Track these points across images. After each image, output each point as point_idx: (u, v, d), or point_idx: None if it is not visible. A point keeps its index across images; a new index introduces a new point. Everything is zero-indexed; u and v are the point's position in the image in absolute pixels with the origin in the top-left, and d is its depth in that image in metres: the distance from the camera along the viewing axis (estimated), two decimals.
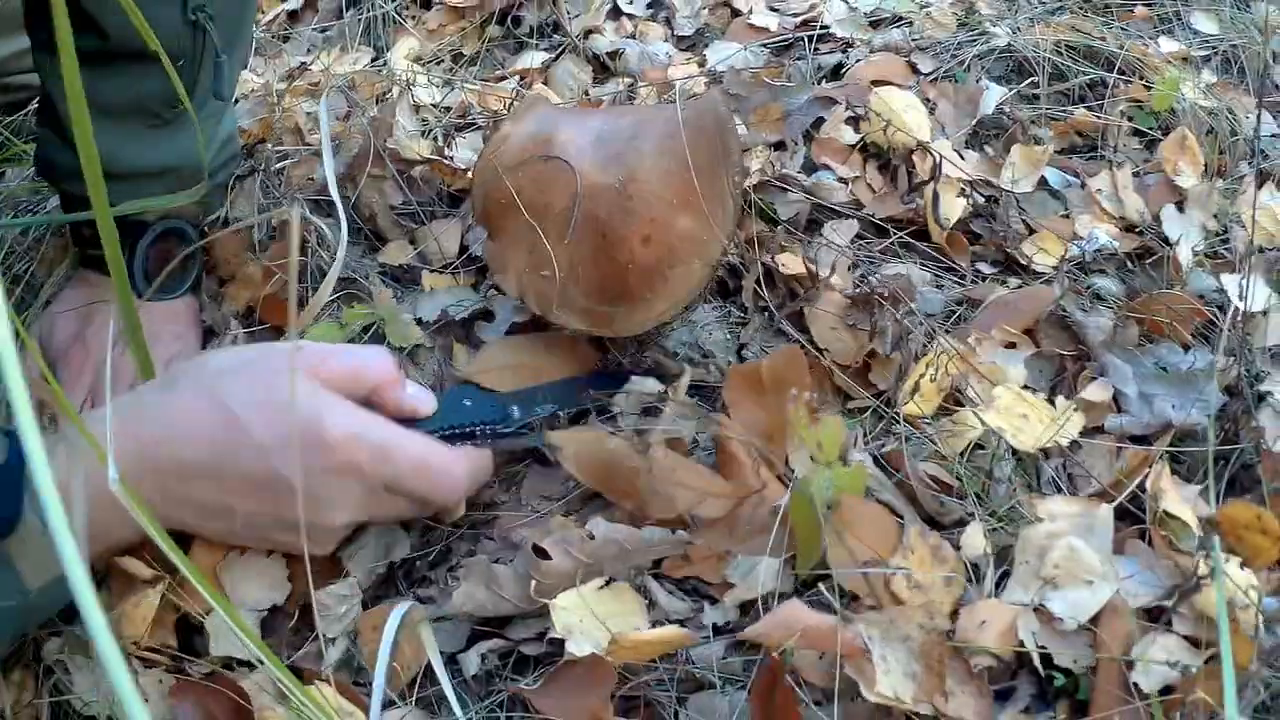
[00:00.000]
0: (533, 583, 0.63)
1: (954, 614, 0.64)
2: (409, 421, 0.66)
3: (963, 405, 0.77)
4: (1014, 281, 0.89)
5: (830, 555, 0.65)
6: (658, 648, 0.61)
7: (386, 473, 0.63)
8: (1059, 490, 0.74)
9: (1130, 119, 1.03)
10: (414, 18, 1.13)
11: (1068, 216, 0.94)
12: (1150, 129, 1.03)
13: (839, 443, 0.65)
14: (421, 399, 0.68)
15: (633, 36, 1.11)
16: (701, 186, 0.74)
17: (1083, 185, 0.96)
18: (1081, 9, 1.14)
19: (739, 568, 0.66)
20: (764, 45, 1.07)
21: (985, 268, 0.90)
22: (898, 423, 0.75)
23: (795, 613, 0.59)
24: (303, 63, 1.04)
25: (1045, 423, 0.74)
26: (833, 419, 0.66)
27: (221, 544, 0.67)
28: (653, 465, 0.68)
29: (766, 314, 0.83)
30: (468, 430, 0.69)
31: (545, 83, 1.02)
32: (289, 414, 0.59)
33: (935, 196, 0.87)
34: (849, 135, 0.96)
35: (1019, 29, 1.07)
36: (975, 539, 0.68)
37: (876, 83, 0.99)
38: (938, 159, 0.87)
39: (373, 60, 1.09)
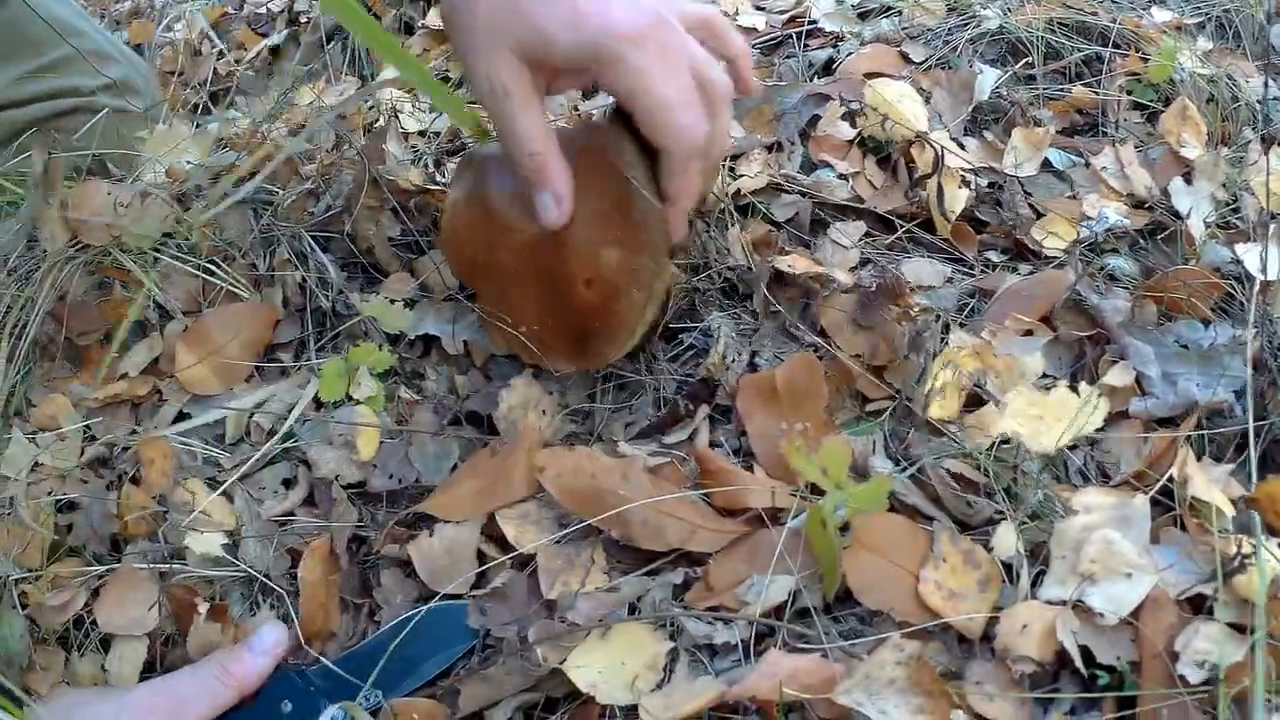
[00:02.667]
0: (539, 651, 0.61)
1: (992, 619, 0.62)
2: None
3: (984, 401, 0.74)
4: (1025, 268, 0.86)
5: (850, 581, 0.63)
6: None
7: None
8: (1087, 480, 0.72)
9: (1129, 92, 1.01)
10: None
11: (1075, 197, 0.91)
12: (1150, 101, 1.01)
13: (845, 464, 0.63)
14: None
15: None
16: (619, 215, 0.69)
17: (1087, 164, 0.94)
18: None
19: (753, 587, 0.64)
20: (753, 45, 1.04)
21: (994, 256, 0.87)
22: (917, 425, 0.73)
23: (778, 663, 0.58)
24: (289, 97, 1.02)
25: (1062, 421, 0.71)
26: (835, 440, 0.64)
27: None
28: (640, 494, 0.66)
29: (778, 318, 0.80)
30: None
31: None
32: None
33: (940, 190, 0.84)
34: (846, 131, 0.93)
35: (1010, 10, 1.04)
36: (1007, 538, 0.66)
37: (869, 75, 0.97)
38: (939, 151, 0.84)
39: (359, 90, 1.06)
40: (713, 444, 0.74)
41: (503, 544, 0.69)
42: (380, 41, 0.66)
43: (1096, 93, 0.99)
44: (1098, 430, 0.74)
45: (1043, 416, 0.71)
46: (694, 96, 0.63)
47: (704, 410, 0.74)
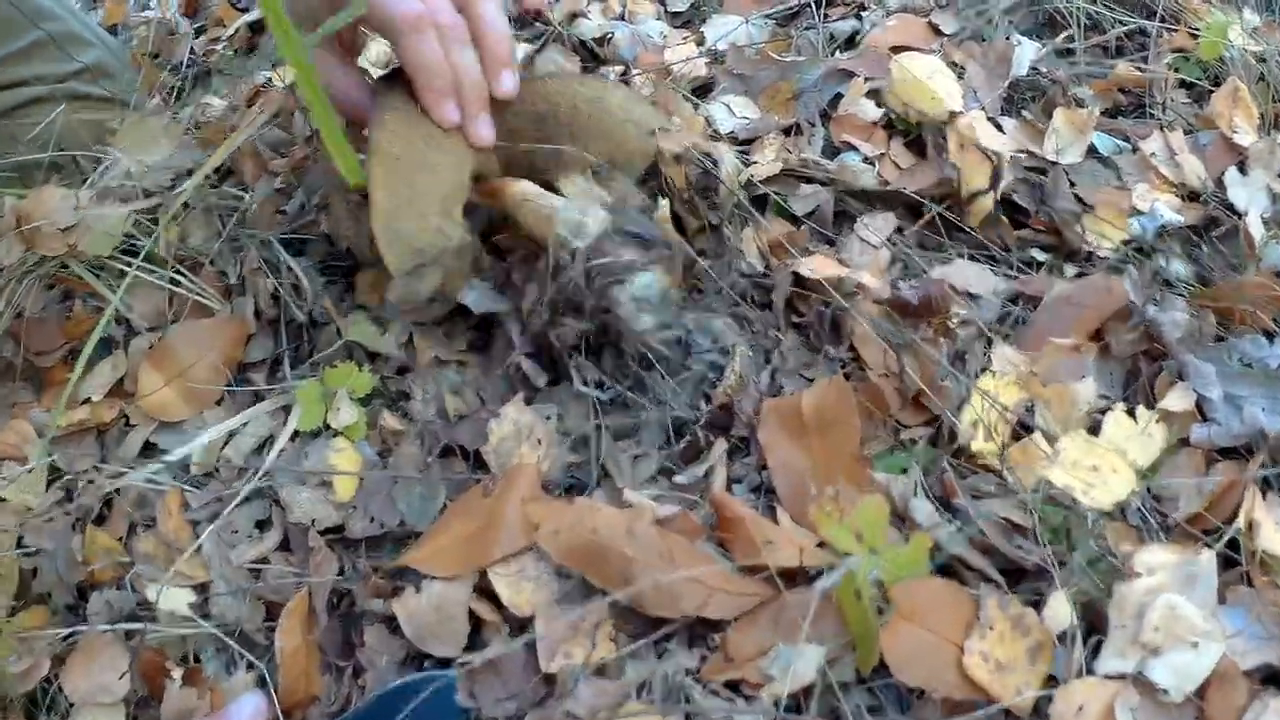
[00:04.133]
0: None
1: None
2: None
3: (1030, 430, 0.63)
4: (1070, 269, 0.74)
5: (888, 656, 0.52)
6: None
7: None
8: (1144, 520, 0.60)
9: (1175, 69, 0.86)
10: None
11: (1123, 187, 0.78)
12: (1197, 79, 0.86)
13: (883, 526, 0.52)
14: None
15: (622, 18, 0.93)
16: None
17: (1135, 150, 0.80)
18: None
19: (779, 659, 0.53)
20: (767, 16, 0.90)
21: (1037, 253, 0.74)
22: (957, 457, 0.62)
23: None
24: (267, 79, 0.88)
25: (1120, 473, 0.60)
26: (872, 500, 0.53)
27: None
28: (648, 553, 0.55)
29: (800, 330, 0.68)
30: None
31: None
32: None
33: (996, 207, 0.71)
34: (871, 110, 0.79)
35: None
36: (1060, 610, 0.54)
37: (896, 49, 0.83)
38: (996, 160, 0.71)
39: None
40: (730, 478, 0.62)
41: (496, 599, 0.58)
42: (293, 58, 0.55)
43: (1140, 69, 0.85)
44: (1154, 462, 0.63)
45: (1098, 467, 0.60)
46: None
47: (721, 445, 0.62)
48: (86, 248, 0.71)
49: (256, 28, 0.98)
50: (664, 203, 0.69)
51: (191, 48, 0.96)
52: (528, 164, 0.69)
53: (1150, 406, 0.65)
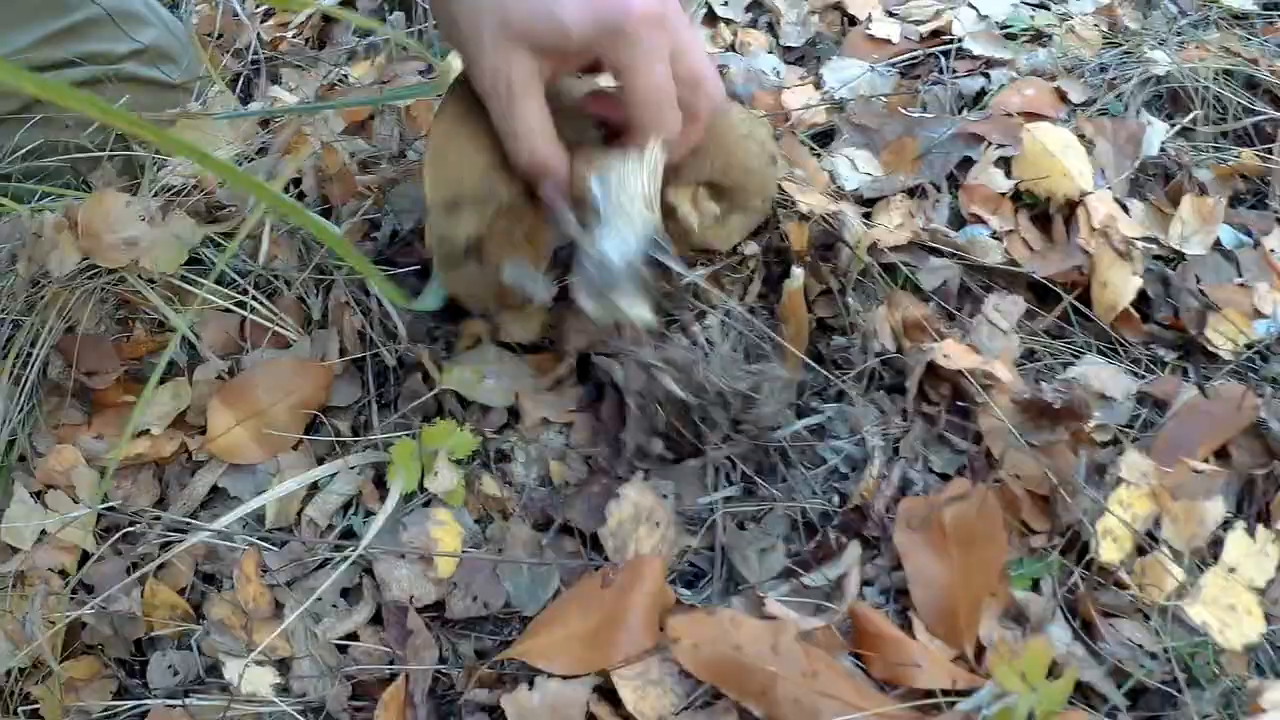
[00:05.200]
0: None
1: None
2: None
3: (1156, 540, 0.61)
4: (1194, 369, 0.71)
5: None
6: None
7: None
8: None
9: None
10: None
11: (1244, 285, 0.76)
12: None
13: (1046, 666, 0.50)
14: None
15: (732, 48, 0.88)
16: None
17: (1256, 244, 0.78)
18: (1223, 20, 0.93)
19: None
20: (890, 64, 0.85)
21: (1163, 351, 0.72)
22: (1086, 569, 0.60)
23: None
24: (343, 75, 0.81)
25: (1254, 613, 0.59)
26: (1038, 644, 0.51)
27: None
28: (791, 669, 0.52)
29: (930, 419, 0.65)
30: None
31: None
32: None
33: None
34: (1000, 181, 0.76)
35: (1170, 48, 0.86)
36: None
37: (1026, 115, 0.79)
38: (1131, 253, 0.69)
39: (424, 72, 0.85)
40: (863, 581, 0.59)
41: (614, 700, 0.54)
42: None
43: (1264, 159, 0.82)
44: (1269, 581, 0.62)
45: (1235, 606, 0.59)
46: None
47: (856, 549, 0.59)
48: (151, 264, 0.65)
49: (330, 16, 0.91)
50: (798, 272, 0.65)
51: (258, 33, 0.88)
52: None
53: (1266, 522, 0.64)
